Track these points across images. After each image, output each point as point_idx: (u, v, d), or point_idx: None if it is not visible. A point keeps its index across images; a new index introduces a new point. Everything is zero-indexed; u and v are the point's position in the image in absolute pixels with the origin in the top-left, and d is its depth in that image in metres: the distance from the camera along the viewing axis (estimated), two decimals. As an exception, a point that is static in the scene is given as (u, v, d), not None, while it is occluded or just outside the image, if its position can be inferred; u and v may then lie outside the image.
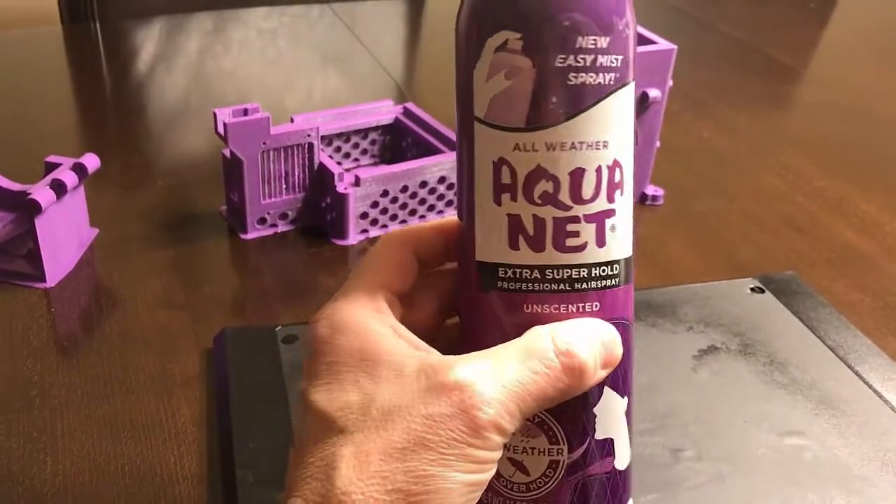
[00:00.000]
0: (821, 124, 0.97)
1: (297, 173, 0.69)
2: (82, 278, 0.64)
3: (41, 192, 0.60)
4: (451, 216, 0.34)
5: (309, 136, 0.67)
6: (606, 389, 0.30)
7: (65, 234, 0.64)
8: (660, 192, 0.78)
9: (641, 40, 0.72)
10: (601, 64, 0.28)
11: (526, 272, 0.29)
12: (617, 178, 0.29)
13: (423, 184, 0.70)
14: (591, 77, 0.28)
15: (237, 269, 0.68)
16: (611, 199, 0.29)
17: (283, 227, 0.70)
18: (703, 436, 0.50)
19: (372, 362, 0.29)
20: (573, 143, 0.28)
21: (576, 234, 0.29)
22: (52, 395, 0.54)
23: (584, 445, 0.30)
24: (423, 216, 0.72)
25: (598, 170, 0.29)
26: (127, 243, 0.68)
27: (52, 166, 0.64)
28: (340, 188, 0.67)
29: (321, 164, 0.69)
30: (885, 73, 1.14)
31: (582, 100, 0.28)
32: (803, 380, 0.55)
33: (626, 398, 0.31)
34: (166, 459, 0.49)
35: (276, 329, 0.57)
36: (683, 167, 0.85)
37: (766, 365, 0.56)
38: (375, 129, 0.78)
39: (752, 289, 0.64)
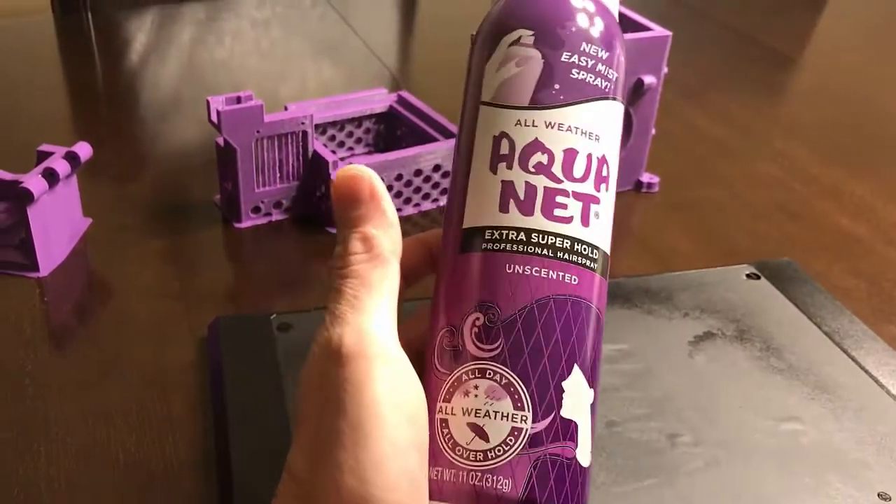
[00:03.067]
0: (815, 111, 0.97)
1: (291, 162, 0.68)
2: (75, 268, 0.64)
3: (33, 181, 0.59)
4: (434, 229, 0.35)
5: (303, 123, 0.67)
6: (576, 368, 0.30)
7: (57, 223, 0.64)
8: (655, 179, 0.78)
9: (636, 27, 0.72)
10: (599, 70, 0.32)
11: (512, 234, 0.30)
12: (604, 172, 0.32)
13: (418, 172, 0.70)
14: (591, 77, 0.31)
15: (231, 258, 0.68)
16: (597, 188, 0.31)
17: (277, 216, 0.70)
18: (700, 421, 0.50)
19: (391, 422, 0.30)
20: (570, 126, 0.31)
21: (564, 206, 0.31)
22: (46, 384, 0.53)
23: (550, 418, 0.30)
24: (417, 204, 0.71)
25: (589, 157, 0.31)
26: (120, 233, 0.68)
27: (45, 155, 0.63)
28: (335, 176, 0.67)
29: (315, 153, 0.68)
30: (879, 59, 1.14)
31: (581, 93, 0.31)
32: (799, 365, 0.55)
33: (592, 391, 0.31)
34: (161, 448, 0.49)
35: (271, 317, 0.57)
36: (678, 155, 0.84)
37: (762, 351, 0.56)
38: (369, 117, 0.77)
39: (747, 275, 0.63)
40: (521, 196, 0.31)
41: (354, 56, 1.05)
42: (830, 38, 1.21)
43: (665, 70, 0.73)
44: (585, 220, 0.31)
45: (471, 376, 0.30)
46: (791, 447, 0.49)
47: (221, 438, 0.49)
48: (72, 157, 0.63)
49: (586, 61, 0.32)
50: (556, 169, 0.31)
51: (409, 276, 0.34)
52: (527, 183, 0.31)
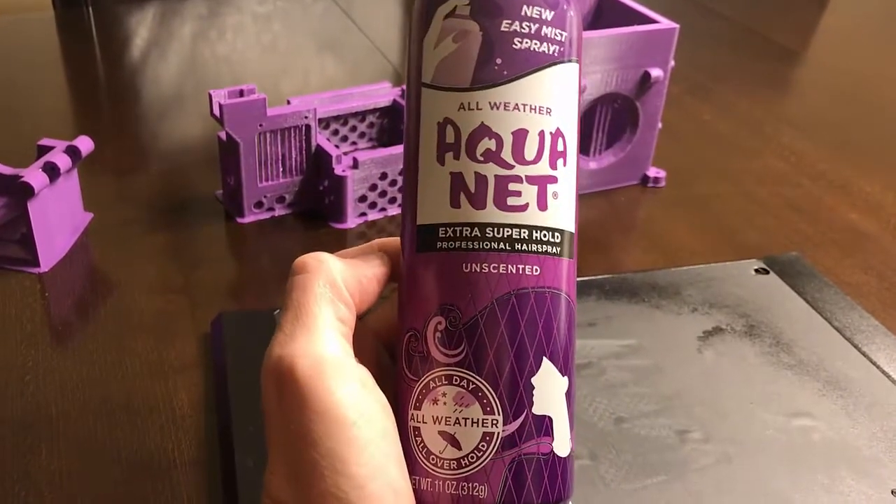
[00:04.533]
0: (823, 107, 0.96)
1: (294, 156, 0.68)
2: (77, 263, 0.63)
3: (34, 175, 0.59)
4: (391, 238, 0.33)
5: (306, 117, 0.66)
6: (546, 361, 0.29)
7: (58, 217, 0.63)
8: (661, 174, 0.77)
9: (643, 19, 0.71)
10: (545, 34, 0.29)
11: (466, 230, 0.29)
12: (560, 146, 0.30)
13: (422, 166, 0.69)
14: (536, 44, 0.29)
15: (234, 253, 0.67)
16: (553, 166, 0.29)
17: (280, 211, 0.69)
18: (710, 417, 0.49)
19: (350, 449, 0.29)
20: (516, 104, 0.29)
21: (517, 193, 0.29)
22: (47, 380, 0.53)
23: (521, 418, 0.29)
24: (422, 199, 0.71)
25: (541, 134, 0.29)
26: (122, 228, 0.67)
27: (45, 149, 0.62)
28: (338, 171, 0.66)
29: (319, 147, 0.68)
30: (886, 54, 1.13)
31: (526, 64, 0.29)
32: (810, 360, 0.54)
33: (566, 378, 0.30)
34: (164, 445, 0.49)
35: (275, 313, 0.56)
36: (685, 149, 0.84)
37: (771, 346, 0.55)
38: (373, 111, 0.77)
39: (756, 270, 0.63)
40: (472, 188, 0.29)
41: (357, 51, 1.04)
42: (837, 34, 1.20)
43: (672, 63, 0.72)
44: (542, 204, 0.29)
45: (438, 383, 0.29)
46: (802, 443, 0.48)
47: (225, 434, 0.48)
48: (72, 152, 0.62)
49: (529, 27, 0.29)
50: (506, 154, 0.29)
51: (369, 287, 0.31)
52: (476, 173, 0.29)
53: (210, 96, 0.64)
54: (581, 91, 0.30)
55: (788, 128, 0.90)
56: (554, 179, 0.29)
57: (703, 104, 0.94)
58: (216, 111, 0.64)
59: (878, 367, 0.54)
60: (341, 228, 0.68)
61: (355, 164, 0.66)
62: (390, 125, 0.78)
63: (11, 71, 0.95)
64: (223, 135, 0.66)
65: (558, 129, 0.29)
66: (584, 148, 0.74)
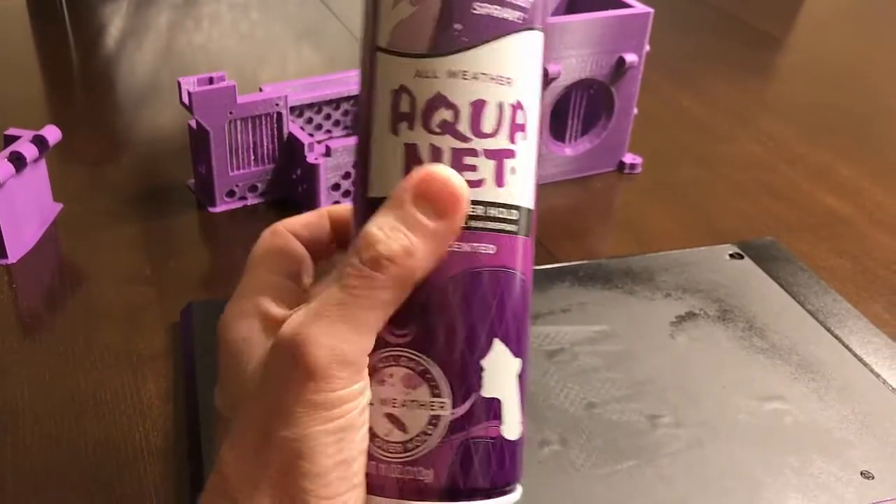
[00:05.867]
0: (801, 92, 0.96)
1: (266, 144, 0.67)
2: (45, 254, 0.62)
3: (-1, 165, 0.58)
4: (342, 204, 0.33)
5: (277, 105, 0.66)
6: (496, 342, 0.28)
7: (26, 208, 0.62)
8: (638, 160, 0.77)
9: (617, 4, 0.71)
10: (508, 0, 0.28)
11: None
12: (520, 119, 0.28)
13: (396, 154, 0.69)
14: (497, 10, 0.28)
15: (206, 243, 0.67)
16: (512, 140, 0.28)
17: (252, 200, 0.69)
18: (682, 402, 0.49)
19: (248, 347, 0.28)
20: (475, 73, 0.27)
21: (473, 167, 0.28)
22: (13, 372, 0.52)
23: (469, 401, 0.28)
24: (396, 187, 0.70)
25: (500, 105, 0.28)
26: (92, 218, 0.67)
27: (12, 139, 0.62)
28: (311, 159, 0.66)
29: (290, 135, 0.67)
30: (866, 40, 1.13)
31: (486, 30, 0.28)
32: (782, 344, 0.54)
33: (518, 360, 0.29)
34: (131, 436, 0.48)
35: (245, 302, 0.55)
36: (662, 135, 0.83)
37: (745, 330, 0.55)
38: (347, 99, 0.76)
39: (731, 255, 0.63)
40: (427, 160, 0.27)
41: (335, 40, 1.03)
42: (816, 18, 1.20)
43: (647, 48, 0.71)
44: (500, 180, 0.28)
45: (385, 364, 0.28)
46: (774, 427, 0.48)
47: (192, 425, 0.48)
48: (39, 141, 0.61)
49: None
50: (463, 126, 0.27)
51: (314, 254, 0.32)
52: (431, 145, 0.27)
53: (179, 84, 0.63)
54: (547, 69, 0.29)
55: (767, 113, 0.90)
56: (512, 154, 0.28)
57: (682, 90, 0.93)
58: (185, 99, 0.63)
59: (850, 350, 0.54)
60: (315, 217, 0.67)
61: (328, 152, 0.66)
62: (365, 113, 0.77)
63: (-17, 61, 0.94)
64: (193, 123, 0.65)
65: (519, 100, 0.28)
66: (559, 134, 0.74)
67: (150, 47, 1.00)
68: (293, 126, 0.67)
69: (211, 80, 0.63)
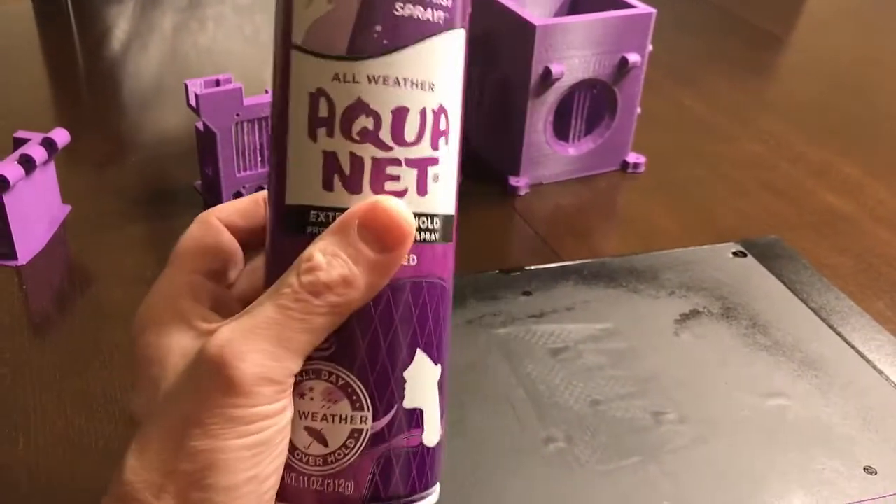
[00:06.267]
0: (802, 90, 0.97)
1: (272, 145, 0.67)
2: (54, 255, 0.63)
3: (9, 168, 0.58)
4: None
5: (283, 107, 0.66)
6: (419, 353, 0.28)
7: (35, 210, 0.63)
8: (641, 159, 0.77)
9: (619, 4, 0.71)
10: (430, 0, 0.26)
11: (338, 216, 0.26)
12: (442, 125, 0.27)
13: (401, 154, 0.69)
14: (419, 11, 0.26)
15: (213, 243, 0.67)
16: (435, 146, 0.27)
17: (259, 201, 0.69)
18: (686, 399, 0.50)
19: (161, 354, 0.28)
20: (397, 79, 0.26)
21: (396, 178, 0.26)
22: (24, 372, 0.53)
23: (391, 413, 0.27)
24: (401, 187, 0.71)
25: (423, 112, 0.27)
26: (100, 220, 0.67)
27: (21, 142, 0.62)
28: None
29: (296, 136, 0.67)
30: (867, 39, 1.14)
31: (408, 33, 0.26)
32: (785, 341, 0.54)
33: (439, 366, 0.28)
34: (141, 435, 0.49)
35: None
36: (665, 134, 0.84)
37: (748, 328, 0.55)
38: (352, 100, 0.76)
39: (733, 253, 0.63)
40: (347, 170, 0.26)
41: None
42: (818, 18, 1.21)
43: (649, 48, 0.72)
44: (422, 188, 0.27)
45: (306, 377, 0.27)
46: (777, 423, 0.48)
47: (202, 423, 0.48)
48: (48, 144, 0.62)
49: None
50: (385, 134, 0.26)
51: (253, 235, 0.31)
52: (352, 154, 0.26)
53: (186, 86, 0.64)
54: (467, 62, 0.28)
55: (768, 112, 0.90)
56: (435, 161, 0.27)
57: (684, 89, 0.94)
58: (192, 101, 0.63)
59: (852, 347, 0.54)
60: (321, 217, 0.68)
61: (333, 153, 0.66)
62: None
63: (-10, 65, 0.95)
64: (200, 125, 0.66)
65: (441, 105, 0.27)
66: (563, 134, 0.75)
67: (156, 49, 1.01)
68: (299, 127, 0.68)
69: (217, 83, 0.64)
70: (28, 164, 0.60)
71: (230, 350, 0.25)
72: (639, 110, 0.75)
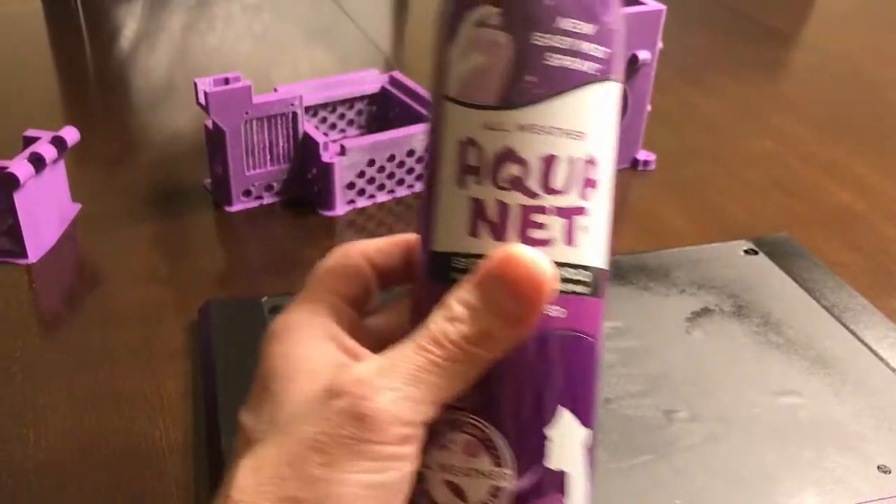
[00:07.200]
0: (812, 88, 0.96)
1: (281, 144, 0.68)
2: (64, 254, 0.63)
3: (19, 166, 0.59)
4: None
5: (293, 105, 0.66)
6: (564, 412, 0.27)
7: (45, 208, 0.63)
8: (651, 157, 0.77)
9: (630, 2, 0.71)
10: (582, 50, 0.26)
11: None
12: (592, 174, 0.27)
13: (411, 152, 0.69)
14: (571, 61, 0.26)
15: (222, 241, 0.67)
16: (584, 197, 0.27)
17: (268, 199, 0.69)
18: (697, 397, 0.49)
19: (293, 369, 0.27)
20: (547, 128, 0.26)
21: (542, 226, 0.26)
22: (34, 370, 0.53)
23: (533, 473, 0.26)
24: (411, 185, 0.71)
25: (572, 160, 0.26)
26: (110, 218, 0.67)
27: (31, 140, 0.62)
28: (326, 158, 0.66)
29: (306, 134, 0.67)
30: (878, 36, 1.13)
31: (560, 82, 0.26)
32: (798, 339, 0.54)
33: (588, 430, 0.27)
34: (151, 433, 0.49)
35: (263, 300, 0.56)
36: (675, 132, 0.83)
37: (760, 326, 0.55)
38: (361, 98, 0.76)
39: (745, 251, 0.63)
40: (493, 217, 0.26)
41: (348, 40, 1.04)
42: (828, 15, 1.20)
43: (660, 45, 0.72)
44: (570, 239, 0.26)
45: (446, 429, 0.27)
46: (790, 421, 0.48)
47: (212, 423, 0.48)
48: (58, 142, 0.62)
49: (565, 41, 0.26)
50: (533, 182, 0.26)
51: (387, 276, 0.32)
52: (498, 201, 0.26)
53: (196, 84, 0.64)
54: (622, 112, 0.28)
55: (778, 110, 0.90)
56: (583, 211, 0.27)
57: (694, 87, 0.93)
58: (202, 99, 0.63)
59: (865, 344, 0.54)
60: (330, 216, 0.68)
61: (343, 151, 0.66)
62: (379, 112, 0.77)
63: (0, 63, 0.95)
64: (209, 123, 0.66)
65: (591, 155, 0.27)
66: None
67: (165, 48, 1.01)
68: (308, 126, 0.68)
69: (227, 81, 0.64)
70: (38, 162, 0.60)
71: (367, 383, 0.25)
72: (649, 108, 0.75)
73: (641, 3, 0.71)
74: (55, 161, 0.62)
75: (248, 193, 0.68)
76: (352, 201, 0.69)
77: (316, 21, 1.09)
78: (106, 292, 0.60)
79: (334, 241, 0.66)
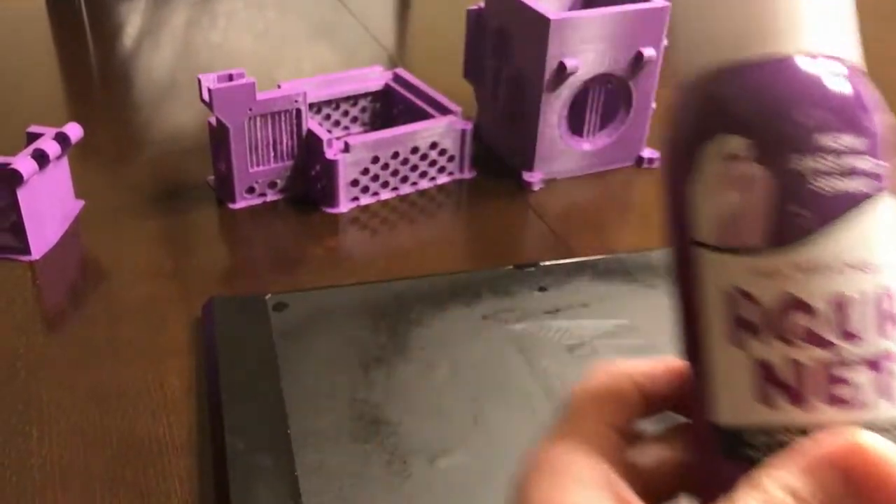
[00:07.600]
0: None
1: (285, 141, 0.67)
2: (68, 250, 0.63)
3: (22, 163, 0.58)
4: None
5: (296, 101, 0.66)
6: None
7: (49, 205, 0.63)
8: (656, 154, 0.76)
9: (635, -2, 0.71)
10: (855, 167, 0.23)
11: (783, 437, 0.22)
12: (892, 308, 0.23)
13: (415, 149, 0.69)
14: (840, 182, 0.23)
15: (226, 239, 0.67)
16: (888, 336, 0.23)
17: (272, 196, 0.69)
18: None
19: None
20: (829, 264, 0.23)
21: (847, 381, 0.23)
22: (38, 367, 0.53)
23: None
24: (414, 183, 0.70)
25: (867, 297, 0.23)
26: (114, 215, 0.67)
27: (34, 136, 0.62)
28: (329, 155, 0.66)
29: (309, 131, 0.67)
30: (886, 36, 1.13)
31: (832, 209, 0.22)
32: (804, 338, 0.54)
33: None
34: (155, 429, 0.48)
35: (266, 297, 0.56)
36: (680, 130, 0.83)
37: (765, 324, 0.55)
38: (365, 95, 0.76)
39: (750, 249, 0.62)
40: (788, 380, 0.22)
41: (351, 37, 1.03)
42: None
43: (665, 42, 0.71)
44: (884, 390, 0.22)
45: None
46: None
47: (216, 419, 0.48)
48: (62, 138, 0.62)
49: (829, 160, 0.22)
50: (827, 330, 0.22)
51: (652, 406, 0.27)
52: (787, 359, 0.22)
53: (199, 81, 0.64)
54: None
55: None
56: (891, 356, 0.23)
57: (699, 85, 0.93)
58: (205, 96, 0.63)
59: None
60: (334, 213, 0.68)
61: (346, 148, 0.66)
62: (383, 109, 0.77)
63: (3, 60, 0.95)
64: (213, 120, 0.66)
65: (887, 286, 0.23)
66: (577, 129, 0.74)
67: (168, 45, 1.01)
68: (312, 122, 0.68)
69: (230, 78, 0.64)
70: (41, 158, 0.60)
71: None
72: (654, 105, 0.75)
73: (647, 0, 0.70)
74: (59, 158, 0.62)
75: (251, 190, 0.68)
76: (355, 198, 0.68)
77: (320, 18, 1.09)
78: (109, 289, 0.60)
79: (338, 238, 0.66)
